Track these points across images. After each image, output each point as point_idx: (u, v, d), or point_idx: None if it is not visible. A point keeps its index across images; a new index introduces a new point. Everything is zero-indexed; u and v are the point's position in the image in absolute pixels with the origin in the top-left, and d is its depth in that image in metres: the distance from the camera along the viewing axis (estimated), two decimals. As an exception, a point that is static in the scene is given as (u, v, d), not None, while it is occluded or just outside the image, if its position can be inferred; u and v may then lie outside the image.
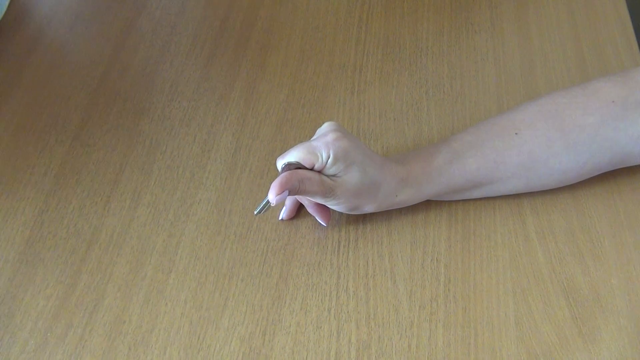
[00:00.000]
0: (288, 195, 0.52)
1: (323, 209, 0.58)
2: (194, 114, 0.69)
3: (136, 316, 0.55)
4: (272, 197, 0.52)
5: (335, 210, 0.58)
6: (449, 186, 0.57)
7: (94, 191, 0.63)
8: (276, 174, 0.64)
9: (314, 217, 0.59)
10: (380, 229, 0.59)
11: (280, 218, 0.60)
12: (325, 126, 0.55)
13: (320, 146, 0.52)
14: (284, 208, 0.60)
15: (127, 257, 0.58)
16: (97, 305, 0.56)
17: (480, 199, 0.60)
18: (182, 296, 0.56)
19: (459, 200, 0.60)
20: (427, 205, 0.60)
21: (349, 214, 0.60)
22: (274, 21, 0.78)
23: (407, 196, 0.57)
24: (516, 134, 0.56)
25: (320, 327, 0.54)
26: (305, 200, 0.58)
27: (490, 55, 0.72)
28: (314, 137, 0.55)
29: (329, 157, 0.52)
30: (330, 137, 0.52)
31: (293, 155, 0.53)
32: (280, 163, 0.53)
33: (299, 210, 0.61)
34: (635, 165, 0.61)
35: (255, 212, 0.56)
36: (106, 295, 0.56)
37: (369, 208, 0.56)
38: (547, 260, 0.57)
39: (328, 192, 0.53)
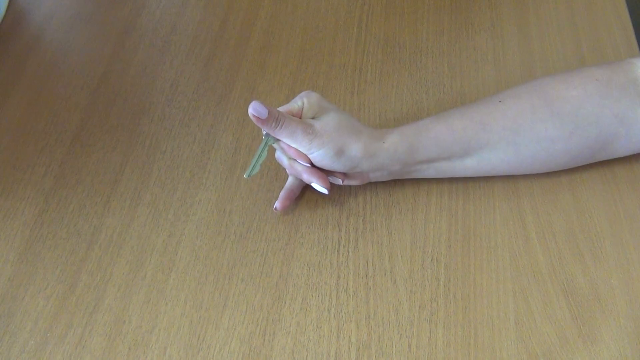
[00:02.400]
0: (268, 121, 0.53)
1: (319, 173, 0.57)
2: (194, 114, 0.69)
3: (136, 316, 0.55)
4: (251, 105, 0.53)
5: (335, 209, 0.58)
6: (437, 145, 0.57)
7: (94, 191, 0.63)
8: (276, 173, 0.64)
9: (315, 191, 0.59)
10: (380, 229, 0.59)
11: (274, 208, 0.60)
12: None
13: (296, 98, 0.57)
14: (278, 199, 0.60)
15: (127, 257, 0.58)
16: (97, 305, 0.56)
17: (480, 198, 0.60)
18: (182, 296, 0.56)
19: (458, 200, 0.60)
20: (427, 205, 0.60)
21: (349, 214, 0.60)
22: (274, 21, 0.78)
23: (395, 144, 0.56)
24: (500, 101, 0.58)
25: (320, 327, 0.54)
26: (298, 165, 0.57)
27: (490, 55, 0.72)
28: None
29: (303, 104, 0.56)
30: (303, 92, 0.58)
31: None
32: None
33: (299, 208, 0.61)
34: (636, 166, 0.61)
35: (246, 175, 0.56)
36: (106, 295, 0.56)
37: (355, 150, 0.55)
38: (547, 260, 0.57)
39: (308, 128, 0.54)
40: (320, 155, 0.55)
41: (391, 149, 0.56)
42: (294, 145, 0.55)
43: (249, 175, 0.57)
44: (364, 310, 0.54)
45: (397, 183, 0.62)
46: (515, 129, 0.56)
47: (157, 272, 0.58)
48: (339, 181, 0.58)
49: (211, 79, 0.72)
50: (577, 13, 0.76)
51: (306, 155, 0.56)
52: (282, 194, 0.60)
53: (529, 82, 0.59)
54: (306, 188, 0.62)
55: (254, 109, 0.53)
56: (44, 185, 0.64)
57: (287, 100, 0.69)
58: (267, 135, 0.56)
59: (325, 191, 0.58)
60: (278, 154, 0.59)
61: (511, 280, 0.56)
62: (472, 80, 0.70)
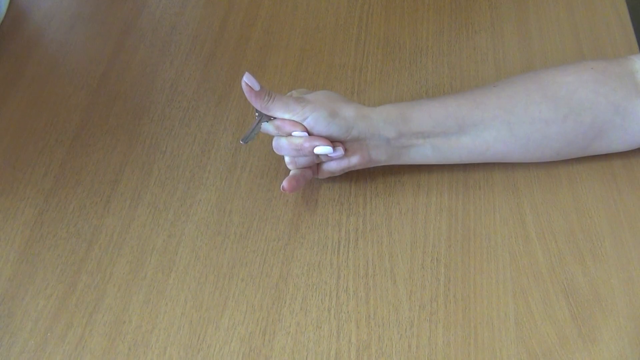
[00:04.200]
0: (258, 95, 0.55)
1: (319, 136, 0.57)
2: (194, 114, 0.69)
3: (136, 316, 0.55)
4: (245, 77, 0.55)
5: (335, 209, 0.58)
6: (431, 118, 0.57)
7: (94, 191, 0.63)
8: (276, 173, 0.64)
9: (322, 166, 0.60)
10: (380, 229, 0.59)
11: (281, 187, 0.57)
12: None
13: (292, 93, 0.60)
14: (285, 180, 0.58)
15: (127, 257, 0.58)
16: (97, 305, 0.56)
17: (480, 198, 0.60)
18: (182, 296, 0.56)
19: (458, 200, 0.60)
20: (427, 205, 0.60)
21: (349, 214, 0.60)
22: (274, 21, 0.78)
23: (386, 109, 0.58)
24: (494, 86, 0.59)
25: (320, 327, 0.54)
26: (297, 139, 0.57)
27: (490, 55, 0.72)
28: None
29: (292, 94, 0.59)
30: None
31: None
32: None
33: (299, 208, 0.61)
34: (636, 165, 0.61)
35: (242, 141, 0.56)
36: (106, 295, 0.56)
37: (348, 111, 0.56)
38: (547, 260, 0.57)
39: (299, 98, 0.56)
40: (314, 119, 0.55)
41: (384, 112, 0.57)
42: (287, 116, 0.56)
43: (245, 142, 0.57)
44: (364, 310, 0.54)
45: (397, 183, 0.62)
46: (509, 109, 0.57)
47: (157, 272, 0.58)
48: (341, 151, 0.57)
49: (211, 79, 0.72)
50: (577, 12, 0.76)
51: (302, 124, 0.56)
52: (288, 177, 0.59)
53: (524, 72, 0.61)
54: (307, 187, 0.62)
55: (248, 79, 0.55)
56: (44, 185, 0.64)
57: (287, 100, 0.69)
58: (261, 114, 0.56)
59: (329, 150, 0.56)
60: (275, 143, 0.58)
61: (511, 280, 0.56)
62: (472, 80, 0.70)
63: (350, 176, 0.62)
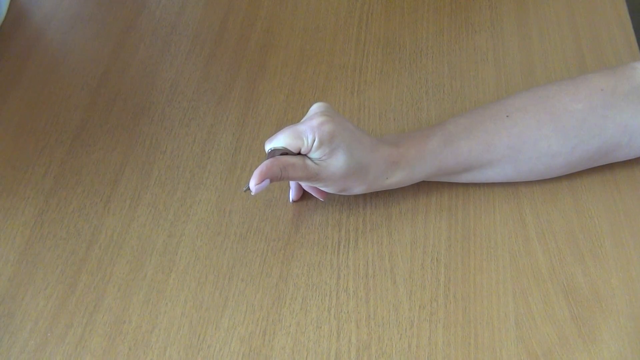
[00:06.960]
0: (270, 182, 0.52)
1: (317, 188, 0.59)
2: (194, 114, 0.69)
3: (136, 316, 0.55)
4: (252, 185, 0.52)
5: (335, 209, 0.58)
6: (440, 168, 0.57)
7: (94, 191, 0.63)
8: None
9: (313, 197, 0.60)
10: (380, 229, 0.59)
11: (291, 201, 0.61)
12: (314, 108, 0.55)
13: (306, 130, 0.52)
14: (290, 191, 0.60)
15: (127, 257, 0.58)
16: (97, 305, 0.56)
17: (480, 198, 0.60)
18: (182, 296, 0.56)
19: (458, 200, 0.60)
20: (427, 205, 0.60)
21: (349, 214, 0.60)
22: (274, 21, 0.78)
23: (398, 179, 0.57)
24: (507, 116, 0.57)
25: (320, 327, 0.54)
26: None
27: (490, 55, 0.72)
28: (304, 118, 0.55)
29: (314, 141, 0.52)
30: (316, 121, 0.52)
31: (280, 140, 0.53)
32: (267, 147, 0.54)
33: (299, 208, 0.61)
34: (635, 166, 0.61)
35: (244, 189, 0.55)
36: (106, 295, 0.56)
37: (358, 190, 0.56)
38: (547, 260, 0.57)
39: (313, 177, 0.53)
40: (322, 188, 0.57)
41: (394, 182, 0.57)
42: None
43: (246, 190, 0.54)
44: (364, 310, 0.54)
45: (397, 183, 0.62)
46: (518, 147, 0.56)
47: (157, 272, 0.58)
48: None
49: (211, 79, 0.72)
50: (577, 13, 0.76)
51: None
52: (292, 185, 0.60)
53: (535, 90, 0.59)
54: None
55: (257, 190, 0.52)
56: (44, 185, 0.64)
57: (287, 100, 0.69)
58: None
59: (321, 200, 0.60)
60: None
61: (511, 280, 0.56)
62: (472, 80, 0.70)
63: (350, 176, 0.62)
